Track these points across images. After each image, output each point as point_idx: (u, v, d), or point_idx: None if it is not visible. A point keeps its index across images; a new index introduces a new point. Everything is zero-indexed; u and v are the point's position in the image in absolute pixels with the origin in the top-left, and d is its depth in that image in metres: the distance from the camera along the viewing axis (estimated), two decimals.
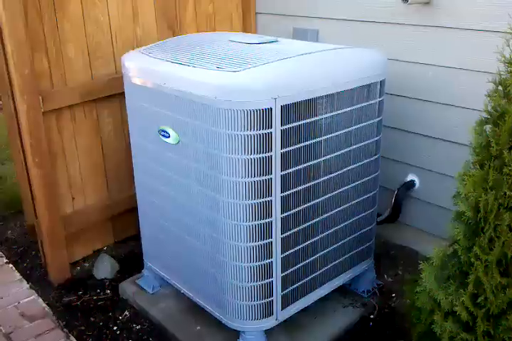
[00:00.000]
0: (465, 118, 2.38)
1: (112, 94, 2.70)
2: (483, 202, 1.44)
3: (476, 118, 1.58)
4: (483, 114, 1.56)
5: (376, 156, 2.22)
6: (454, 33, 2.35)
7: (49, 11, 2.42)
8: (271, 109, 1.73)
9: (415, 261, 2.53)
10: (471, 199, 1.49)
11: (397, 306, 2.42)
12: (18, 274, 2.79)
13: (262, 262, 1.91)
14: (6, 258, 2.95)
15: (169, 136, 1.99)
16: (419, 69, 2.53)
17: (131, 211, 2.69)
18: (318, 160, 1.96)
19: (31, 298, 2.59)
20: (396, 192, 2.70)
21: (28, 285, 2.69)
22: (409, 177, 2.74)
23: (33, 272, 2.81)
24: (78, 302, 2.55)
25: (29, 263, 2.89)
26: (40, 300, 2.57)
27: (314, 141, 1.92)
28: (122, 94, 2.31)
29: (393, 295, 2.51)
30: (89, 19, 2.57)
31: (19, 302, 2.55)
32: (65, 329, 2.36)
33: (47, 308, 2.51)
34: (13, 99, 2.46)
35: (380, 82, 2.10)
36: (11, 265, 2.88)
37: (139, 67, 2.13)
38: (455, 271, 1.59)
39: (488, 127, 1.53)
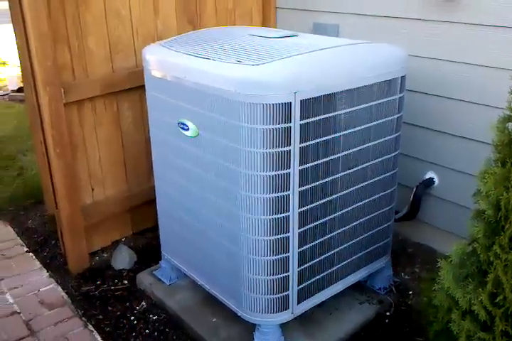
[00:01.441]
0: (487, 115, 2.34)
1: (132, 87, 2.73)
2: (504, 201, 1.42)
3: (498, 115, 1.56)
4: (505, 112, 1.53)
5: (395, 153, 2.20)
6: (476, 29, 2.31)
7: (72, 4, 2.44)
8: (290, 103, 1.72)
9: (433, 259, 2.52)
10: (492, 197, 1.47)
11: (414, 304, 2.41)
12: (38, 263, 2.84)
13: (279, 256, 1.92)
14: (27, 247, 3.00)
15: (188, 129, 2.01)
16: (440, 65, 2.50)
17: (149, 203, 2.71)
18: (337, 155, 1.96)
19: (50, 286, 2.64)
20: (415, 190, 2.68)
21: (47, 274, 2.74)
22: (428, 175, 2.72)
23: (53, 261, 2.86)
24: (96, 292, 2.59)
25: (49, 253, 2.94)
26: (60, 288, 2.62)
27: (333, 136, 1.91)
28: (142, 87, 2.33)
29: (410, 292, 2.50)
30: (111, 12, 2.59)
31: (39, 291, 2.60)
32: (83, 318, 2.40)
33: (66, 297, 2.55)
34: (35, 90, 2.50)
35: (401, 77, 2.08)
36: (31, 254, 2.93)
37: (159, 60, 2.14)
38: (474, 270, 1.57)
39: (510, 125, 1.50)
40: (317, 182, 1.93)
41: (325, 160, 1.92)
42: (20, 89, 6.16)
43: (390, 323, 2.32)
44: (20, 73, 3.02)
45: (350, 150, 2.00)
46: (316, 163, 1.89)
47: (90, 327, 2.34)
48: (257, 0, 3.19)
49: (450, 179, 2.63)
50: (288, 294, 2.00)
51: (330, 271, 2.14)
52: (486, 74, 2.33)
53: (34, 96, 2.56)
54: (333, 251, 2.11)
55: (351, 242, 2.18)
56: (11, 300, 2.53)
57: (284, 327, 2.10)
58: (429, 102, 2.61)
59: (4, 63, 8.22)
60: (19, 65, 2.87)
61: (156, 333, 2.31)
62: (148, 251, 2.88)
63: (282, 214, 1.86)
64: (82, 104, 2.61)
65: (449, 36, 2.43)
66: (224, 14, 3.06)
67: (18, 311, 2.45)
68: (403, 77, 2.08)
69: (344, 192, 2.05)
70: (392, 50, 2.13)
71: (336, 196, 2.02)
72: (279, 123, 1.73)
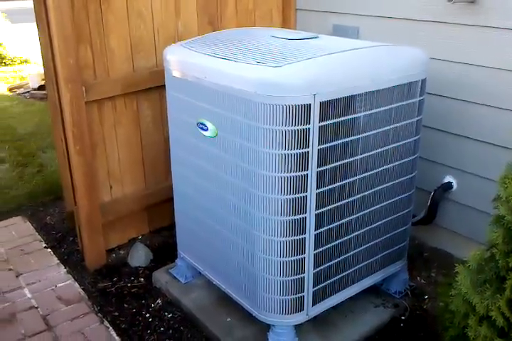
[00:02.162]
0: (508, 120, 2.32)
1: (153, 87, 2.75)
2: None
3: None
4: None
5: (414, 156, 2.19)
6: (499, 33, 2.29)
7: (94, 3, 2.47)
8: (310, 105, 1.73)
9: (449, 264, 2.51)
10: None
11: (429, 308, 2.39)
12: (56, 259, 2.88)
13: (295, 257, 1.92)
14: (45, 243, 3.05)
15: (207, 129, 2.02)
16: (461, 69, 2.48)
17: (166, 202, 2.74)
18: (355, 157, 1.95)
19: (68, 282, 2.67)
20: (432, 194, 2.66)
21: (65, 270, 2.78)
22: (447, 179, 2.69)
23: (70, 257, 2.90)
24: (113, 289, 2.61)
25: (66, 249, 2.98)
26: (76, 284, 2.65)
27: (352, 138, 1.91)
28: (162, 87, 2.35)
29: (425, 297, 2.48)
30: (133, 12, 2.62)
31: (56, 286, 2.64)
32: (99, 314, 2.43)
33: (82, 293, 2.58)
34: (57, 88, 2.54)
35: (421, 80, 2.06)
36: (49, 250, 2.98)
37: (180, 61, 2.16)
38: (492, 276, 1.55)
39: None
40: (335, 185, 1.93)
41: (343, 162, 1.92)
42: (41, 87, 6.25)
43: (404, 327, 2.30)
44: (42, 71, 3.06)
45: (369, 153, 1.99)
46: (334, 165, 1.89)
47: (106, 323, 2.37)
48: (277, 1, 3.20)
49: (469, 183, 2.60)
50: (303, 295, 2.00)
51: (346, 273, 2.13)
52: (508, 78, 2.31)
53: (56, 94, 2.60)
54: (349, 254, 2.11)
55: (368, 245, 2.17)
56: (29, 295, 2.57)
57: (298, 328, 2.10)
58: (448, 106, 2.59)
59: (26, 61, 8.35)
60: (42, 62, 2.91)
61: (170, 331, 2.33)
62: (165, 250, 2.90)
63: (299, 216, 1.87)
64: (102, 103, 2.64)
65: (471, 39, 2.40)
66: (244, 15, 3.07)
67: (36, 306, 2.49)
68: (424, 80, 2.07)
69: (362, 194, 2.04)
70: (413, 52, 2.12)
71: (353, 198, 2.02)
72: (297, 125, 1.74)
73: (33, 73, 6.72)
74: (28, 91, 6.52)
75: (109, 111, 2.69)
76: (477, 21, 2.35)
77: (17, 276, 2.72)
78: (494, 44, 2.32)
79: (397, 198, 2.20)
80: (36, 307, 2.48)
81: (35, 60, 7.98)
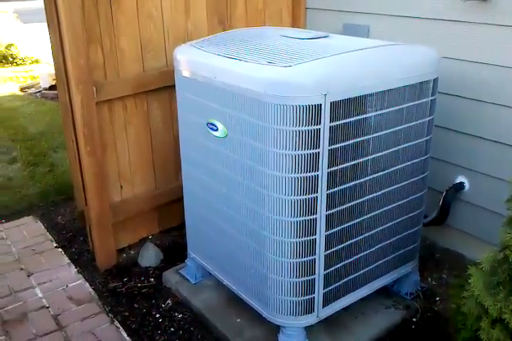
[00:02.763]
0: None
1: (162, 87, 2.75)
2: None
3: None
4: None
5: (426, 156, 2.17)
6: (511, 31, 2.26)
7: (105, 4, 2.48)
8: (320, 105, 1.71)
9: (461, 265, 2.48)
10: None
11: (441, 310, 2.37)
12: (67, 258, 2.90)
13: (306, 258, 1.91)
14: (56, 242, 3.06)
15: (217, 129, 2.01)
16: (474, 68, 2.45)
17: (176, 202, 2.74)
18: (366, 158, 1.94)
19: (78, 282, 2.69)
20: (444, 194, 2.63)
21: (75, 270, 2.79)
22: (459, 179, 2.66)
23: (81, 257, 2.91)
24: (123, 289, 2.62)
25: (77, 249, 3.00)
26: (87, 284, 2.66)
27: (363, 138, 1.89)
28: (172, 87, 2.35)
29: (437, 298, 2.46)
30: (143, 13, 2.62)
31: (67, 286, 2.65)
32: (109, 314, 2.44)
33: (93, 293, 2.59)
34: (68, 88, 2.54)
35: (433, 80, 2.04)
36: (60, 249, 2.99)
37: (190, 61, 2.15)
38: (505, 278, 1.54)
39: None
40: (345, 185, 1.91)
41: (354, 162, 1.90)
42: (52, 87, 6.29)
43: (416, 329, 2.29)
44: (53, 71, 3.08)
45: (380, 153, 1.98)
46: (345, 165, 1.87)
47: (116, 323, 2.38)
48: (287, 0, 3.18)
49: (481, 184, 2.58)
50: (314, 297, 1.99)
51: (356, 274, 2.12)
52: None
53: (67, 94, 2.61)
54: (360, 255, 2.09)
55: (378, 246, 2.15)
56: (40, 295, 2.58)
57: (309, 329, 2.09)
58: (461, 105, 2.56)
59: (37, 61, 8.41)
60: (52, 63, 2.92)
61: (181, 331, 2.33)
62: (175, 250, 2.90)
63: (309, 217, 1.86)
64: (113, 103, 2.65)
65: (483, 38, 2.37)
66: (254, 15, 3.06)
67: (47, 306, 2.51)
68: (435, 80, 2.05)
69: (373, 195, 2.03)
70: (425, 51, 2.10)
71: (364, 199, 2.00)
72: (308, 125, 1.73)
73: (44, 73, 6.77)
74: (39, 91, 6.57)
75: (120, 112, 2.70)
76: (489, 20, 2.32)
77: (28, 276, 2.74)
78: (507, 42, 2.29)
79: (408, 199, 2.18)
80: (47, 307, 2.50)
81: (47, 60, 8.03)
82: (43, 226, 3.24)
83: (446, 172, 2.70)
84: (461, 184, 2.65)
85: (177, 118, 2.33)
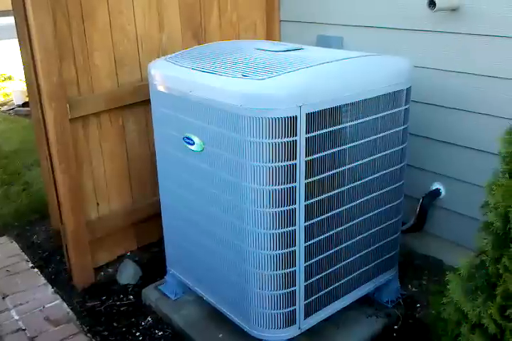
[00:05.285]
0: (493, 126, 2.34)
1: (138, 102, 2.73)
2: None
3: (505, 126, 1.55)
4: None
5: (402, 164, 2.20)
6: (482, 40, 2.32)
7: (77, 20, 2.46)
8: (296, 116, 1.73)
9: (440, 271, 2.51)
10: (500, 209, 1.46)
11: (422, 317, 2.38)
12: (43, 279, 2.83)
13: (286, 270, 1.90)
14: (32, 262, 2.99)
15: (194, 144, 2.01)
16: (445, 76, 2.51)
17: (154, 217, 2.71)
18: (343, 168, 1.95)
19: (56, 302, 2.62)
20: (421, 201, 2.66)
21: (52, 290, 2.72)
22: (435, 186, 2.70)
23: (58, 277, 2.85)
24: (102, 308, 2.57)
25: (54, 268, 2.93)
26: (65, 304, 2.60)
27: (339, 149, 1.91)
28: (147, 101, 2.34)
29: (418, 305, 2.47)
30: (116, 27, 2.61)
31: (44, 307, 2.59)
32: (88, 334, 2.38)
33: (71, 313, 2.53)
34: (41, 106, 2.51)
35: (406, 89, 2.08)
36: (36, 269, 2.92)
37: (164, 75, 2.15)
38: (483, 283, 1.55)
39: None
40: (323, 196, 1.92)
41: (331, 173, 1.91)
42: (25, 104, 6.20)
43: (397, 337, 2.29)
44: (26, 88, 3.04)
45: (357, 163, 2.00)
46: (322, 176, 1.89)
47: None
48: (261, 13, 3.21)
49: (457, 190, 2.62)
50: (295, 309, 1.98)
51: (337, 284, 2.12)
52: (491, 84, 2.33)
53: (40, 111, 2.57)
54: (340, 265, 2.10)
55: (358, 255, 2.16)
56: (16, 317, 2.51)
57: None
58: (434, 113, 2.61)
59: (9, 78, 8.29)
60: (24, 80, 2.89)
61: None
62: (154, 266, 2.86)
63: (288, 228, 1.86)
64: (87, 119, 2.62)
65: (453, 47, 2.43)
66: (228, 28, 3.08)
67: (23, 328, 2.44)
68: (408, 89, 2.09)
69: (350, 204, 2.04)
70: (397, 61, 2.14)
71: (342, 209, 2.01)
72: (284, 137, 1.73)
73: (16, 90, 6.68)
74: (12, 108, 6.47)
75: (95, 128, 2.67)
76: (458, 29, 2.38)
77: (3, 298, 2.66)
78: (475, 50, 2.35)
79: (386, 207, 2.20)
80: (24, 330, 2.43)
81: (19, 77, 7.93)
82: (18, 247, 3.17)
83: (422, 179, 2.74)
84: (437, 190, 2.69)
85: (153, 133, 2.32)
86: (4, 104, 6.72)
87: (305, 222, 1.88)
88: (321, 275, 2.03)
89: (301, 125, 1.74)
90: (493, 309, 1.46)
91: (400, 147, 2.16)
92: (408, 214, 2.64)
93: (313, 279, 2.00)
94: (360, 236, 2.14)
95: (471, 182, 2.52)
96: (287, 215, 1.83)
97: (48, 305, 2.60)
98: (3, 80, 8.22)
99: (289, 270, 1.91)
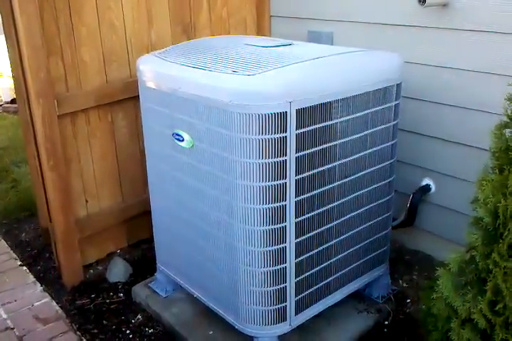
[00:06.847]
0: (483, 121, 2.35)
1: (127, 98, 2.71)
2: (503, 208, 1.42)
3: (495, 122, 1.56)
4: (502, 118, 1.53)
5: (392, 160, 2.20)
6: (472, 36, 2.32)
7: (65, 15, 2.44)
8: (286, 112, 1.72)
9: (430, 267, 2.52)
10: (490, 204, 1.46)
11: (413, 312, 2.39)
12: (32, 277, 2.80)
13: (276, 267, 1.90)
14: (20, 260, 2.97)
15: (183, 140, 1.99)
16: (435, 71, 2.51)
17: (144, 214, 2.69)
18: (334, 164, 1.95)
19: (44, 300, 2.60)
20: (411, 197, 2.67)
21: (41, 288, 2.70)
22: (425, 182, 2.71)
23: (47, 275, 2.82)
24: (91, 306, 2.55)
25: (43, 266, 2.91)
26: (54, 302, 2.58)
27: (329, 144, 1.90)
28: (136, 97, 2.32)
29: (408, 300, 2.48)
30: (104, 23, 2.58)
31: (32, 305, 2.56)
32: (77, 333, 2.36)
33: (60, 311, 2.51)
34: (28, 102, 2.48)
35: (397, 85, 2.08)
36: (24, 267, 2.90)
37: (153, 71, 2.13)
38: (473, 278, 1.56)
39: (507, 131, 1.50)
40: (314, 192, 1.91)
41: (321, 169, 1.91)
42: (13, 101, 6.13)
43: (388, 332, 2.30)
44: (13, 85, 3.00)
45: (347, 159, 1.99)
46: (312, 172, 1.88)
47: None
48: (252, 9, 3.20)
49: (447, 185, 2.62)
50: (285, 305, 1.98)
51: (328, 280, 2.12)
52: (481, 79, 2.34)
53: (27, 108, 2.54)
54: (330, 261, 2.09)
55: (349, 251, 2.16)
56: (4, 316, 2.49)
57: (282, 338, 2.07)
58: (424, 109, 2.61)
59: None
60: (12, 76, 2.85)
61: None
62: (144, 263, 2.85)
63: (279, 225, 1.85)
64: (75, 116, 2.59)
65: (443, 42, 2.44)
66: (218, 24, 3.06)
67: (12, 327, 2.41)
68: (399, 85, 2.09)
69: (341, 201, 2.04)
70: (388, 57, 2.13)
71: (333, 205, 2.01)
72: (274, 133, 1.72)
73: (4, 86, 6.60)
74: (0, 105, 6.40)
75: (83, 124, 2.64)
76: (449, 24, 2.38)
77: None
78: (465, 46, 2.36)
79: (376, 203, 2.20)
80: (12, 328, 2.40)
81: (7, 73, 7.84)
82: (6, 244, 3.13)
83: (413, 175, 2.74)
84: (427, 186, 2.70)
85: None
86: None
87: (296, 218, 1.88)
88: (311, 272, 2.03)
89: (292, 121, 1.73)
90: (483, 304, 1.47)
91: (390, 143, 2.16)
92: (398, 210, 2.64)
93: (303, 275, 2.00)
94: (351, 232, 2.13)
95: (461, 177, 2.53)
96: (278, 212, 1.83)
97: (37, 303, 2.58)
98: None
99: (279, 266, 1.90)
